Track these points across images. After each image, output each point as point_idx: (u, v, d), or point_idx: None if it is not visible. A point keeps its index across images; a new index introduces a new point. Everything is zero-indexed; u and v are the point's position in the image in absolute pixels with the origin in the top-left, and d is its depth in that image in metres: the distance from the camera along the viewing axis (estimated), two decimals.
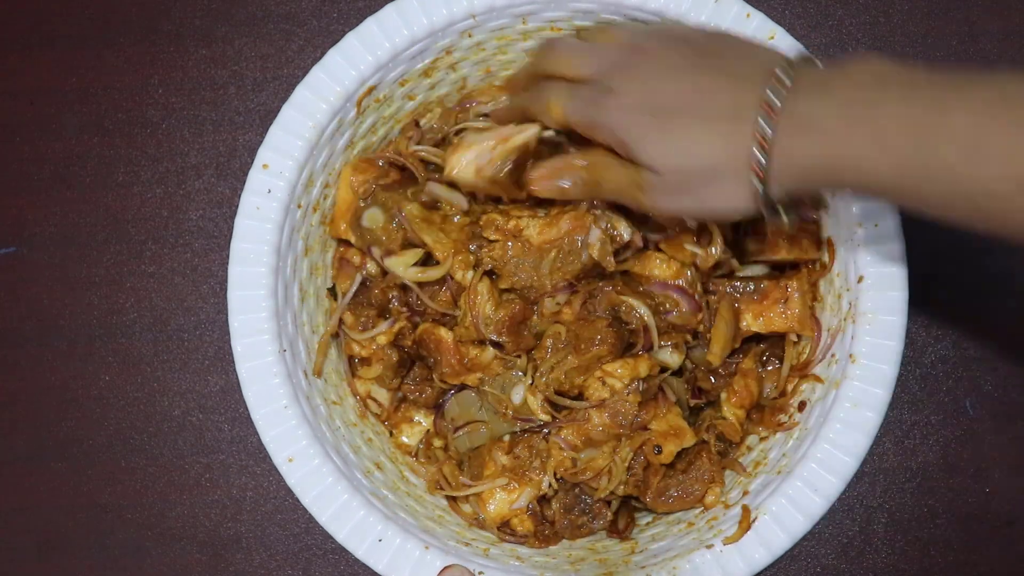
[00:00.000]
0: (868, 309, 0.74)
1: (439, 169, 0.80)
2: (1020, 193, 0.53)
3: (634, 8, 0.76)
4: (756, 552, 0.74)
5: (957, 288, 0.88)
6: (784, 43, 0.76)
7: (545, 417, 0.76)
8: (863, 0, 0.91)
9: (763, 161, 0.59)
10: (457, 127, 0.82)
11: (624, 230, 0.75)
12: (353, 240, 0.79)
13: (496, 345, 0.77)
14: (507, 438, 0.79)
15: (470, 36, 0.79)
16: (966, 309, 0.88)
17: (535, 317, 0.76)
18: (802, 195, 0.63)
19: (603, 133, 0.66)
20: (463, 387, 0.80)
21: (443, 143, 0.82)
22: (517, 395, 0.77)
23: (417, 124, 0.82)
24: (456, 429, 0.80)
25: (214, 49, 0.91)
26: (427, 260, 0.79)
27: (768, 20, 0.76)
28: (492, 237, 0.77)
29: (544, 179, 0.72)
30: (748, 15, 0.76)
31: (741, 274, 0.81)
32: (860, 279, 0.75)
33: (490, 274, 0.77)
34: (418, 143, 0.82)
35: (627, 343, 0.76)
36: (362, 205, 0.79)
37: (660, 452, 0.76)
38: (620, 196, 0.69)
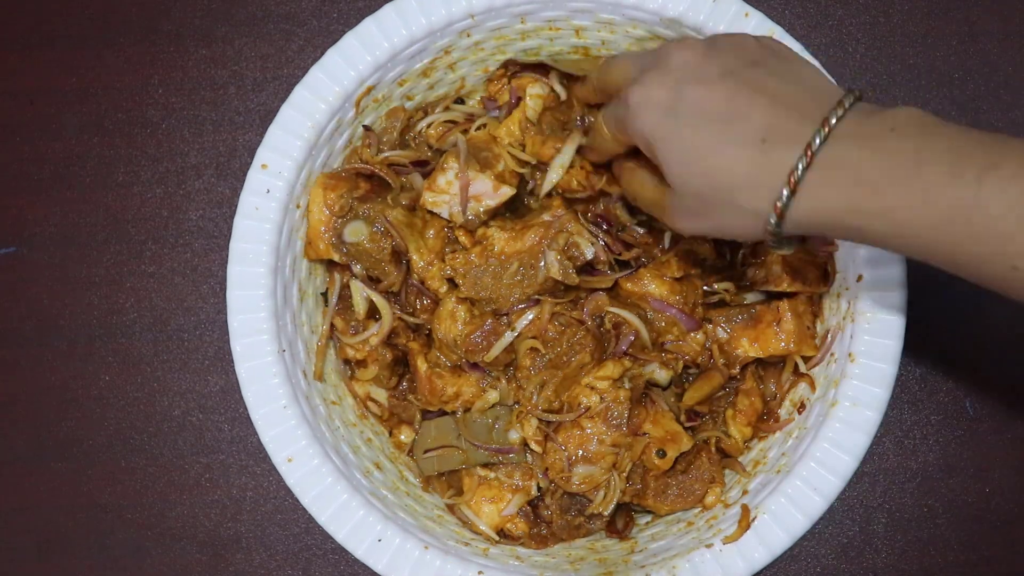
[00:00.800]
0: (867, 308, 0.74)
1: (420, 163, 0.80)
2: None
3: (632, 7, 0.76)
4: (756, 551, 0.74)
5: (957, 288, 0.87)
6: (784, 43, 0.76)
7: (538, 449, 0.76)
8: (863, 0, 0.91)
9: (787, 201, 0.57)
10: (443, 147, 0.82)
11: (587, 248, 0.75)
12: (336, 258, 0.78)
13: (474, 367, 0.77)
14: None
15: (469, 36, 0.79)
16: (966, 309, 0.87)
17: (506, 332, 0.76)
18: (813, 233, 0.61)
19: (628, 132, 0.64)
20: (443, 412, 0.80)
21: (402, 141, 0.82)
22: (514, 435, 0.77)
23: (369, 129, 0.81)
24: (426, 451, 0.80)
25: (214, 49, 0.91)
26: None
27: (767, 19, 0.76)
28: (462, 239, 0.77)
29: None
30: (747, 14, 0.76)
31: (741, 302, 0.80)
32: (859, 278, 0.75)
33: (452, 282, 0.77)
34: (377, 149, 0.81)
35: (605, 348, 0.76)
36: (339, 222, 0.78)
37: (664, 455, 0.76)
38: (650, 211, 0.68)
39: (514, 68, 0.82)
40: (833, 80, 0.62)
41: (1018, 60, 0.89)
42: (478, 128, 0.81)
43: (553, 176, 0.77)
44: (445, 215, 0.77)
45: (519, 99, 0.80)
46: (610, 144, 0.70)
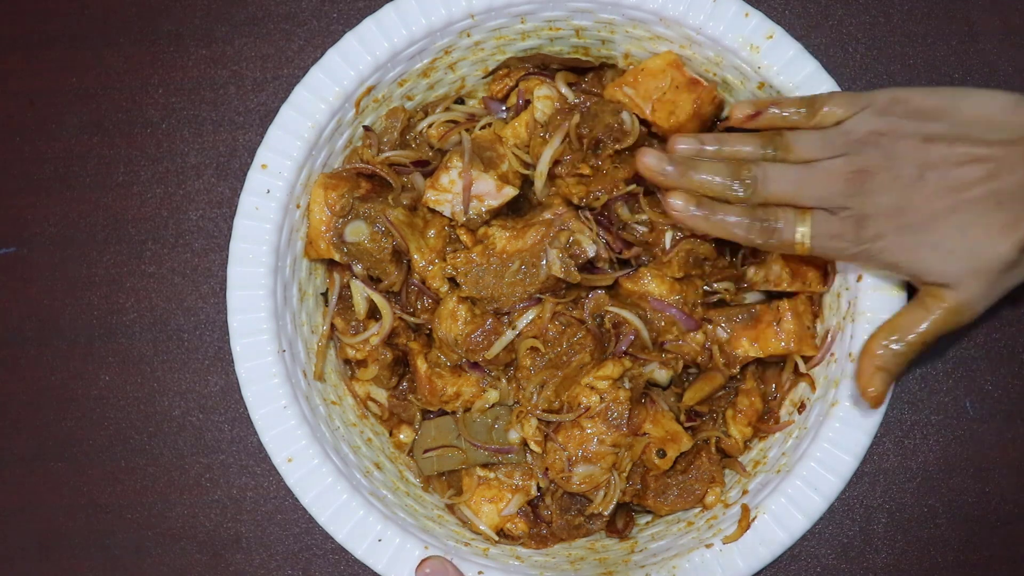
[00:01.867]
0: (867, 308, 0.74)
1: (421, 163, 0.80)
2: None
3: (632, 7, 0.76)
4: (756, 551, 0.74)
5: None
6: (783, 43, 0.76)
7: (537, 449, 0.76)
8: (863, 0, 0.90)
9: None
10: (444, 147, 0.82)
11: (588, 246, 0.75)
12: (337, 257, 0.78)
13: (474, 367, 0.77)
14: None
15: (468, 36, 0.79)
16: None
17: (507, 331, 0.76)
18: None
19: (868, 265, 0.68)
20: (443, 412, 0.80)
21: (402, 140, 0.82)
22: (514, 435, 0.77)
23: (369, 129, 0.81)
24: (426, 450, 0.80)
25: (214, 49, 0.91)
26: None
27: (767, 19, 0.76)
28: (463, 238, 0.77)
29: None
30: (747, 14, 0.76)
31: (741, 301, 0.80)
32: (859, 278, 0.75)
33: (453, 281, 0.77)
34: (378, 149, 0.81)
35: (605, 347, 0.76)
36: (341, 222, 0.78)
37: (664, 456, 0.76)
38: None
39: (520, 70, 0.82)
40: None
41: (1018, 60, 0.89)
42: (483, 127, 0.81)
43: (541, 167, 0.77)
44: (447, 214, 0.77)
45: (527, 102, 0.80)
46: (801, 253, 0.71)
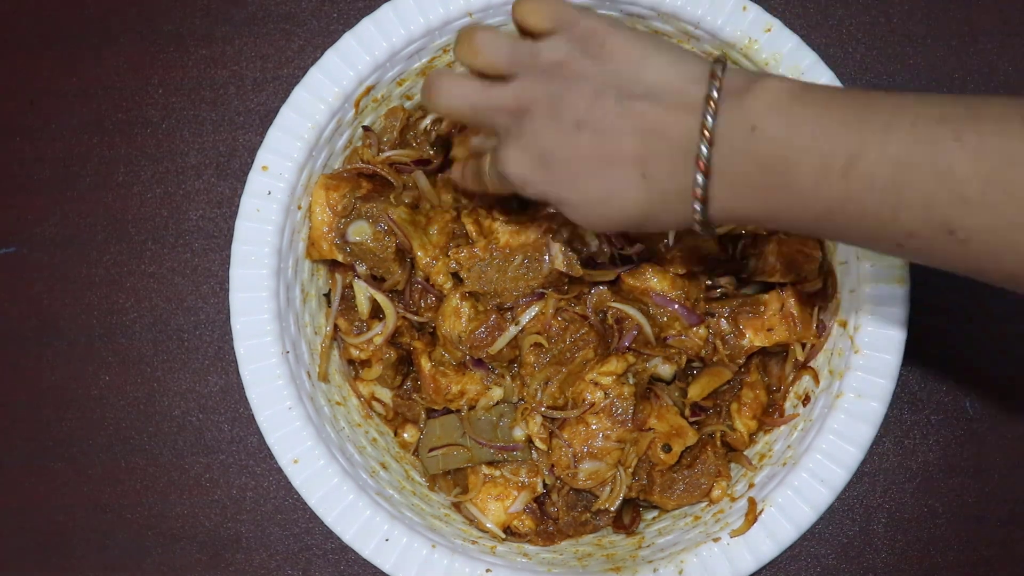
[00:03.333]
0: (871, 299, 0.74)
1: (422, 162, 0.80)
2: (943, 235, 0.52)
3: (629, 3, 0.76)
4: (763, 544, 0.74)
5: (957, 287, 0.87)
6: (782, 35, 0.76)
7: (542, 446, 0.76)
8: (863, 0, 0.90)
9: (702, 215, 0.58)
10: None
11: (591, 240, 0.76)
12: (340, 258, 0.79)
13: (478, 363, 0.77)
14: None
15: None
16: (966, 308, 0.87)
17: (511, 327, 0.76)
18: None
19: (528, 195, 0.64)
20: (447, 410, 0.80)
21: (402, 140, 0.82)
22: (519, 432, 0.77)
23: (368, 129, 0.81)
24: (431, 449, 0.80)
25: (214, 49, 0.91)
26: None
27: (765, 12, 0.76)
28: (470, 229, 0.77)
29: None
30: (744, 7, 0.76)
31: (741, 293, 0.80)
32: (862, 271, 0.75)
33: (456, 277, 0.77)
34: (378, 149, 0.81)
35: (608, 343, 0.76)
36: (343, 223, 0.78)
37: (669, 451, 0.76)
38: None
39: None
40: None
41: (1018, 60, 0.89)
42: None
43: None
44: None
45: None
46: (499, 192, 0.70)
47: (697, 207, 0.57)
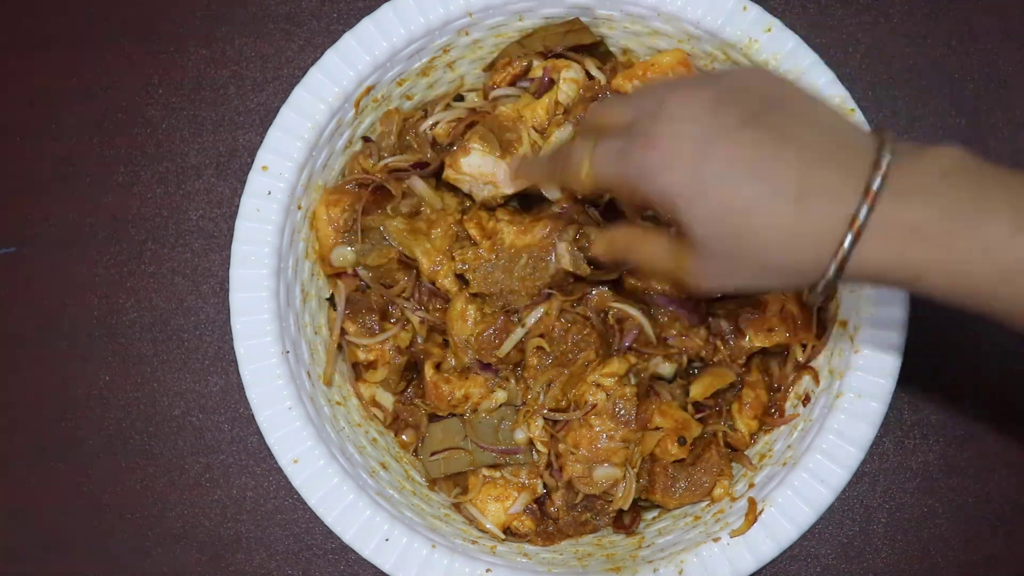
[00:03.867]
0: (871, 300, 0.74)
1: (420, 165, 0.80)
2: None
3: (631, 3, 0.76)
4: (763, 544, 0.74)
5: None
6: (782, 36, 0.76)
7: (543, 449, 0.76)
8: (863, 0, 0.90)
9: (848, 253, 0.54)
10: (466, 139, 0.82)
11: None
12: (349, 271, 0.80)
13: (486, 367, 0.77)
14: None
15: (467, 34, 0.79)
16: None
17: (518, 328, 0.76)
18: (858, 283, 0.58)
19: (638, 194, 0.58)
20: (450, 414, 0.80)
21: (400, 143, 0.82)
22: (520, 435, 0.77)
23: (368, 140, 0.81)
24: (433, 453, 0.80)
25: (214, 49, 0.91)
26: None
27: (765, 12, 0.76)
28: (472, 232, 0.77)
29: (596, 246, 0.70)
30: (745, 8, 0.76)
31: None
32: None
33: (462, 279, 0.77)
34: (378, 156, 0.81)
35: (610, 344, 0.76)
36: (346, 237, 0.79)
37: (685, 443, 0.76)
38: (665, 277, 0.65)
39: (522, 57, 0.81)
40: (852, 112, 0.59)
41: (1018, 60, 0.89)
42: (507, 100, 0.80)
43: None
44: (466, 190, 0.77)
45: (551, 81, 0.80)
46: (585, 191, 0.67)
47: (847, 241, 0.54)
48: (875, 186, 0.53)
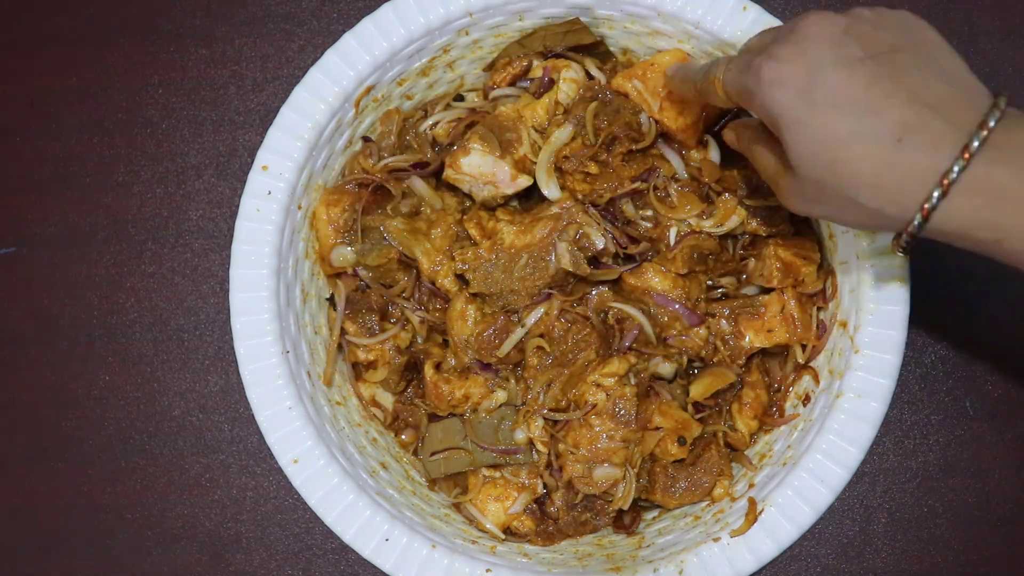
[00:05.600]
0: (871, 299, 0.74)
1: (420, 165, 0.80)
2: None
3: (631, 3, 0.76)
4: (763, 544, 0.74)
5: (958, 287, 0.87)
6: None
7: (543, 449, 0.76)
8: (863, 0, 0.90)
9: (936, 204, 0.54)
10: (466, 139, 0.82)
11: (597, 238, 0.75)
12: (350, 272, 0.80)
13: (486, 367, 0.77)
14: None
15: (467, 34, 0.79)
16: (966, 309, 0.87)
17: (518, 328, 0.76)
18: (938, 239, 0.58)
19: (755, 105, 0.60)
20: (450, 414, 0.80)
21: (400, 143, 0.82)
22: (520, 435, 0.77)
23: (368, 139, 0.81)
24: (433, 453, 0.80)
25: (214, 49, 0.91)
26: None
27: (764, 12, 0.76)
28: (472, 232, 0.77)
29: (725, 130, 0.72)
30: (744, 8, 0.76)
31: (742, 294, 0.80)
32: (861, 270, 0.75)
33: (462, 279, 0.77)
34: (378, 156, 0.81)
35: (610, 344, 0.76)
36: (346, 237, 0.79)
37: (684, 442, 0.76)
38: (766, 180, 0.66)
39: (522, 57, 0.82)
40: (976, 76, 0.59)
41: (1018, 60, 0.89)
42: (507, 99, 0.80)
43: (541, 161, 0.77)
44: (466, 190, 0.77)
45: (551, 81, 0.80)
46: (720, 101, 0.67)
47: (936, 194, 0.54)
48: (975, 145, 0.54)
